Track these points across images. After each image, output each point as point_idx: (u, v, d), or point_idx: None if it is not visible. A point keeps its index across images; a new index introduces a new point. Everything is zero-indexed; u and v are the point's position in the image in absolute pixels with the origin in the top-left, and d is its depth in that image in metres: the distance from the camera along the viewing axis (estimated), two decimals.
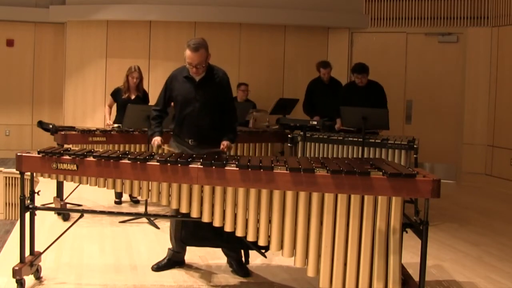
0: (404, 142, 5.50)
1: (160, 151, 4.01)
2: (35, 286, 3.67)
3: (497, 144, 8.10)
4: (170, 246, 4.13)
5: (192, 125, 3.96)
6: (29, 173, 3.59)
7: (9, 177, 7.69)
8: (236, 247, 3.97)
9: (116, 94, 6.13)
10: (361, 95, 6.01)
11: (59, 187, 5.48)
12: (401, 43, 8.71)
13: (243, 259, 4.03)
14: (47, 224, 5.12)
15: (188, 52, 3.82)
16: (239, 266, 4.02)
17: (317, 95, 6.88)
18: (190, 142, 3.98)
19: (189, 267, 4.14)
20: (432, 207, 3.46)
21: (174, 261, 4.09)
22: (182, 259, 4.14)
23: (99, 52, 8.47)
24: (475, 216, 6.25)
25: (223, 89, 4.00)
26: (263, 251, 3.76)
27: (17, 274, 3.46)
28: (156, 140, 4.04)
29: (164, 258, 4.10)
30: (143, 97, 6.16)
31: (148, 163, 3.38)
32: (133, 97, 6.05)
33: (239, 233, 3.32)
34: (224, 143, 3.98)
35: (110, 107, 6.25)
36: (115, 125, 5.88)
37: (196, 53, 3.80)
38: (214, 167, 3.29)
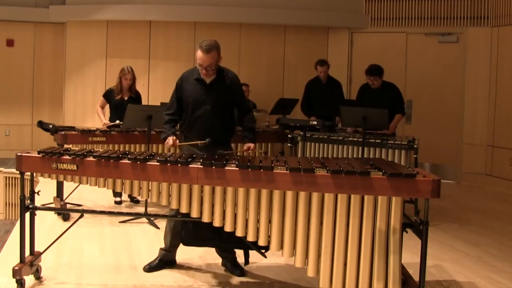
0: (404, 142, 5.50)
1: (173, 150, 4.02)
2: (35, 286, 3.67)
3: (497, 144, 8.10)
4: (162, 246, 4.13)
5: (202, 127, 3.96)
6: (29, 173, 3.59)
7: (9, 177, 7.69)
8: (235, 247, 3.97)
9: (109, 96, 6.11)
10: (374, 97, 5.99)
11: (59, 187, 5.49)
12: (401, 43, 8.71)
13: (243, 259, 4.02)
14: (47, 224, 5.12)
15: (199, 53, 3.82)
16: (234, 266, 4.03)
17: (314, 95, 6.89)
18: (199, 144, 3.98)
19: (189, 267, 4.14)
20: (432, 207, 3.46)
21: (165, 261, 4.10)
22: (173, 259, 4.14)
23: (99, 52, 8.47)
24: (475, 216, 6.25)
25: (234, 91, 4.02)
26: (263, 251, 3.76)
27: (17, 274, 3.46)
28: (168, 140, 3.99)
29: (156, 259, 4.10)
30: (136, 97, 6.15)
31: (148, 163, 3.38)
32: (126, 98, 6.04)
33: (239, 233, 3.32)
34: (250, 146, 4.03)
35: (102, 107, 6.18)
36: (117, 121, 5.84)
37: (208, 55, 3.80)
38: (214, 167, 3.29)
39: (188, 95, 3.99)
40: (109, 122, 5.98)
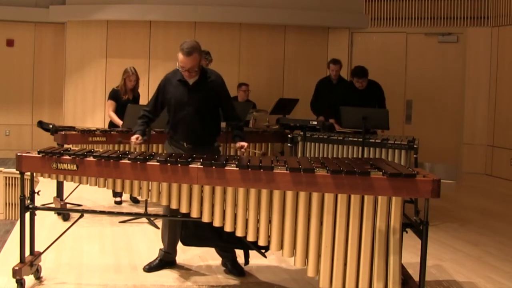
0: (404, 142, 5.50)
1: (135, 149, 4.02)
2: (35, 286, 3.67)
3: (497, 144, 8.09)
4: (162, 247, 4.13)
5: (186, 128, 3.96)
6: (29, 173, 3.59)
7: (9, 177, 7.69)
8: (235, 247, 3.97)
9: (117, 97, 6.07)
10: (360, 96, 6.01)
11: (59, 187, 5.48)
12: (401, 43, 8.71)
13: (243, 259, 4.03)
14: (47, 224, 5.12)
15: (180, 56, 3.81)
16: (233, 266, 4.03)
17: (324, 94, 6.91)
18: (185, 145, 3.99)
19: (189, 267, 4.14)
20: (432, 207, 3.46)
21: (166, 261, 4.09)
22: (173, 260, 4.14)
23: (99, 52, 8.47)
24: (475, 216, 6.25)
25: (217, 92, 3.99)
26: (263, 251, 3.76)
27: (17, 274, 3.46)
28: (133, 138, 4.03)
29: (156, 259, 4.10)
30: (137, 96, 6.22)
31: (148, 163, 3.38)
32: (131, 98, 6.10)
33: (239, 233, 3.32)
34: (244, 144, 3.98)
35: (115, 111, 6.07)
36: None
37: (189, 57, 3.79)
38: (214, 167, 3.29)
39: (171, 96, 3.99)
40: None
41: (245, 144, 4.03)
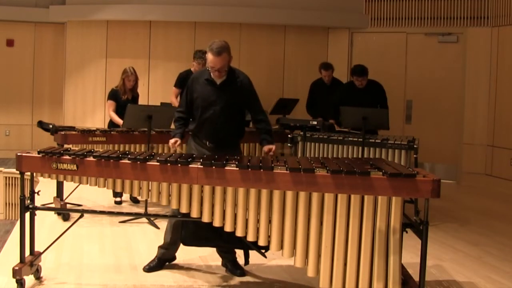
0: (404, 142, 5.50)
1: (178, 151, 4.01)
2: (35, 286, 3.67)
3: (497, 144, 8.09)
4: (161, 244, 4.12)
5: (211, 128, 3.95)
6: (29, 173, 3.59)
7: (9, 177, 7.69)
8: (235, 247, 3.97)
9: (116, 97, 6.06)
10: (360, 95, 6.01)
11: (59, 187, 5.49)
12: (401, 43, 8.71)
13: (244, 259, 4.03)
14: (47, 224, 5.12)
15: (210, 56, 3.80)
16: (234, 266, 4.03)
17: (319, 96, 6.90)
18: (207, 144, 3.98)
19: (189, 267, 4.14)
20: (432, 207, 3.46)
21: (164, 259, 4.09)
22: (173, 255, 4.13)
23: (99, 52, 8.47)
24: (475, 216, 6.25)
25: (244, 92, 3.97)
26: (263, 251, 3.76)
27: (17, 274, 3.46)
28: (171, 141, 4.00)
29: (154, 258, 4.09)
30: (136, 96, 6.22)
31: (148, 163, 3.38)
32: (130, 98, 6.10)
33: (239, 233, 3.32)
34: (272, 147, 3.96)
35: (115, 111, 6.06)
36: None
37: (219, 57, 3.78)
38: (214, 167, 3.29)
39: (198, 95, 3.97)
40: None
41: (273, 147, 3.99)
